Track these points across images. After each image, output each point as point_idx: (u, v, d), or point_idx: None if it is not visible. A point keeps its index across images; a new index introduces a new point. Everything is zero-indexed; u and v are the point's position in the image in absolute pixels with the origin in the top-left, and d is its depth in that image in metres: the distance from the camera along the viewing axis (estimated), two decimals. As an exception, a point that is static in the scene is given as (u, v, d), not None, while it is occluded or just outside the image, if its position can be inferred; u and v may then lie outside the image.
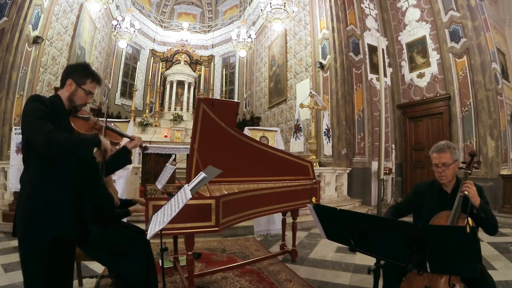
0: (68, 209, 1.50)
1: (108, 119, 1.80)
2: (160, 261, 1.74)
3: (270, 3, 8.47)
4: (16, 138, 4.52)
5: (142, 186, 5.25)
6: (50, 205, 1.45)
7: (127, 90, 13.15)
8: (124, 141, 1.94)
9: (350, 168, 6.79)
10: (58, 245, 1.45)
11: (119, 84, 12.93)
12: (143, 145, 2.00)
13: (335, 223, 1.51)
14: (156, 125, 11.05)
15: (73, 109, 1.61)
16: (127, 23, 10.60)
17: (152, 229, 1.42)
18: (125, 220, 2.63)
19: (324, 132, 6.57)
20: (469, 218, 1.48)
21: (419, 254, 1.15)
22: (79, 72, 1.59)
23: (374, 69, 7.48)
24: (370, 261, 1.58)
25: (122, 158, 1.87)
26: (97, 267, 2.85)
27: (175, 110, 12.08)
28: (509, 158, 6.31)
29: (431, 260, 1.14)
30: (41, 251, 1.42)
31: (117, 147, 2.01)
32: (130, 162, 1.94)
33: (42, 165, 1.47)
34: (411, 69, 7.63)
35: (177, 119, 11.39)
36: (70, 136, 1.43)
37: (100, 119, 1.78)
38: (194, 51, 14.09)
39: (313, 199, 2.08)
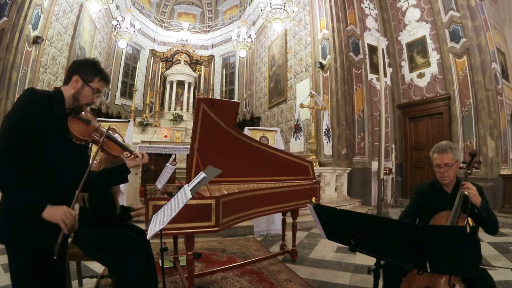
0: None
1: (110, 129, 1.62)
2: (160, 261, 1.74)
3: (270, 3, 8.47)
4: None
5: (142, 186, 5.25)
6: (25, 212, 1.26)
7: (127, 90, 13.14)
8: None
9: (350, 168, 6.79)
10: (42, 253, 1.31)
11: (119, 84, 12.92)
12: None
13: (335, 223, 1.51)
14: (156, 125, 11.05)
15: (76, 108, 1.45)
16: (127, 23, 10.60)
17: (152, 229, 1.42)
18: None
19: (324, 132, 6.57)
20: (469, 218, 1.48)
21: (419, 254, 1.15)
22: (87, 68, 1.45)
23: (374, 69, 7.48)
24: (370, 261, 1.58)
25: (118, 175, 1.62)
26: (97, 267, 2.85)
27: (175, 110, 12.09)
28: (509, 158, 6.31)
29: (431, 260, 1.14)
30: (23, 259, 1.29)
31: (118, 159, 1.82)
32: (125, 181, 1.65)
33: (22, 165, 1.25)
34: (411, 69, 7.63)
35: (177, 119, 11.39)
36: (17, 181, 1.19)
37: (101, 123, 1.61)
38: (194, 51, 14.10)
39: (313, 199, 2.08)
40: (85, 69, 1.44)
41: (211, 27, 15.34)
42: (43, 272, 1.33)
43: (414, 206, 2.07)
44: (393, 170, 7.36)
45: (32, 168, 1.28)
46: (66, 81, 1.44)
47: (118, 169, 1.61)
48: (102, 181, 1.62)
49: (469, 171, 1.83)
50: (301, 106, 6.57)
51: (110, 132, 1.61)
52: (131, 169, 1.62)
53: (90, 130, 1.48)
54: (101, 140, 1.50)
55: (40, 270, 1.31)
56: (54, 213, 1.24)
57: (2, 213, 1.27)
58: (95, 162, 2.45)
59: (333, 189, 6.33)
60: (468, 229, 1.05)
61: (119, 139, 1.71)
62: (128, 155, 1.68)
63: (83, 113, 1.52)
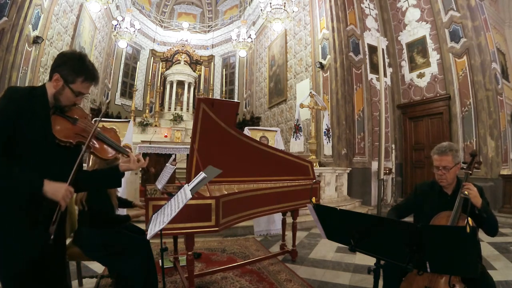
0: (26, 227, 1.19)
1: (100, 127, 1.40)
2: (160, 261, 1.74)
3: (270, 3, 8.47)
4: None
5: (142, 186, 5.25)
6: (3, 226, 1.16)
7: (127, 90, 13.15)
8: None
9: (350, 168, 6.79)
10: (32, 262, 1.21)
11: (119, 84, 12.92)
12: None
13: (335, 223, 1.51)
14: (156, 125, 11.05)
15: (59, 107, 1.28)
16: (127, 23, 10.60)
17: (152, 229, 1.42)
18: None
19: (324, 132, 6.57)
20: (469, 218, 1.47)
21: (419, 254, 1.15)
22: (70, 65, 1.26)
23: (374, 69, 7.48)
24: (370, 261, 1.57)
25: (109, 179, 1.45)
26: (97, 267, 2.85)
27: (175, 110, 12.09)
28: (509, 158, 6.31)
29: (431, 260, 1.14)
30: (14, 270, 1.19)
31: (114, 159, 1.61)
32: (118, 185, 1.51)
33: (9, 163, 1.15)
34: (411, 69, 7.63)
35: (177, 119, 11.40)
36: (8, 173, 1.11)
37: (97, 120, 1.48)
38: (194, 51, 14.09)
39: (313, 199, 2.08)
40: (68, 66, 1.25)
41: (211, 27, 15.34)
42: (39, 279, 1.23)
43: (407, 204, 2.06)
44: (393, 170, 7.35)
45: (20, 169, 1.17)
46: (50, 77, 1.28)
47: (110, 172, 1.43)
48: (93, 183, 1.48)
49: (470, 172, 1.81)
50: (301, 106, 6.57)
51: (100, 130, 1.38)
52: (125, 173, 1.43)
53: (76, 130, 1.28)
54: (87, 141, 1.28)
55: (33, 279, 1.21)
56: (57, 191, 1.15)
57: None
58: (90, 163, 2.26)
59: (333, 189, 6.32)
60: (468, 229, 1.05)
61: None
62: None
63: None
